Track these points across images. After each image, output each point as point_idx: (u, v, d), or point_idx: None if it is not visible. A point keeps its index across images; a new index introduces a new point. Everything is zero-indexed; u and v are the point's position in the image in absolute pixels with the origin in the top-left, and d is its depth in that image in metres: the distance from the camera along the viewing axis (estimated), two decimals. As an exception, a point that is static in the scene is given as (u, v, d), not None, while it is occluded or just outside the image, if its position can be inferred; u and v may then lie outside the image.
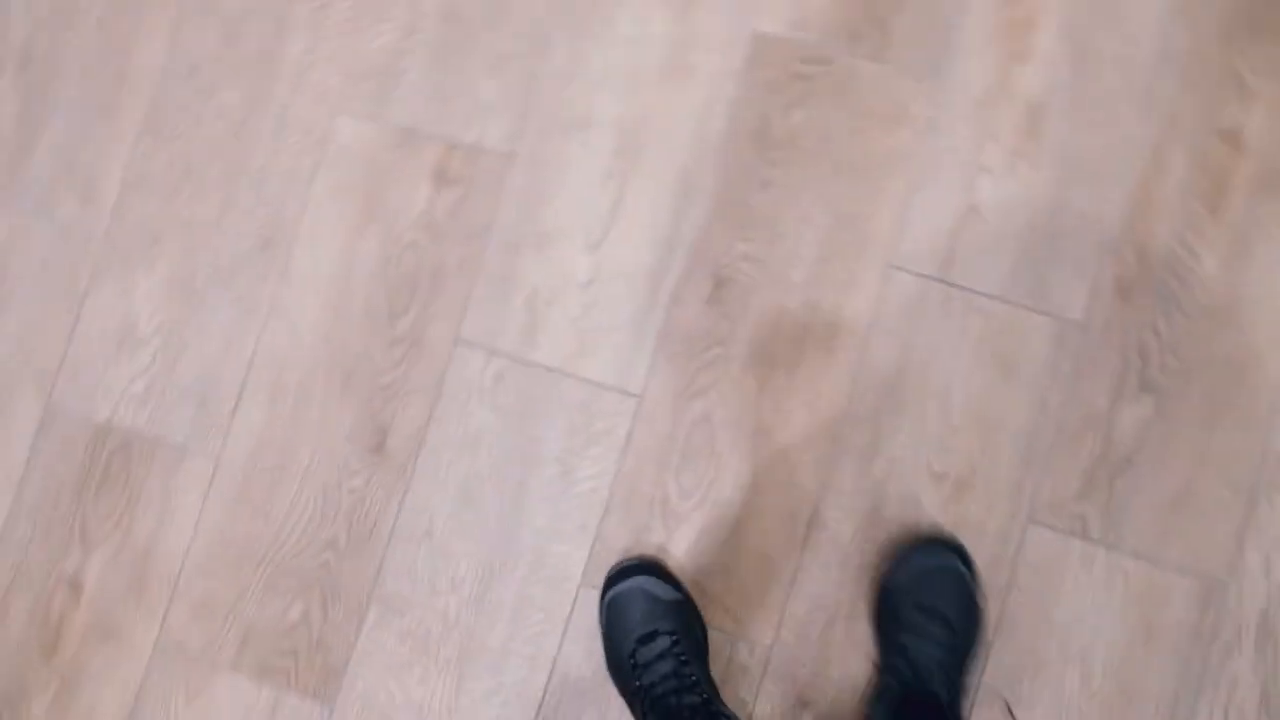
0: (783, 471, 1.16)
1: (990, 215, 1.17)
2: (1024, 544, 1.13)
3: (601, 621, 1.16)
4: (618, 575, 1.15)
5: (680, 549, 1.18)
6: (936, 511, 1.14)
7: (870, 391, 1.16)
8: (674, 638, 1.10)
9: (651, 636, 1.10)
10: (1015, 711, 1.12)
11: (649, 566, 1.16)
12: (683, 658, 1.09)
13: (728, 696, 1.14)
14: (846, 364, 1.17)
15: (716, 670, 1.15)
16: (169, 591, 1.24)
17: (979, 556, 1.14)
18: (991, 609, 1.13)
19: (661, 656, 1.09)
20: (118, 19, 1.30)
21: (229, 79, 1.29)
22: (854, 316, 1.17)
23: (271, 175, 1.28)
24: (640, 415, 1.19)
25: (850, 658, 1.14)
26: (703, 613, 1.16)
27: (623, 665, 1.12)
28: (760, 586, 1.16)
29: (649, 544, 1.17)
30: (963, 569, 1.11)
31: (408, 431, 1.22)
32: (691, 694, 1.06)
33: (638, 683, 1.10)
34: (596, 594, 1.18)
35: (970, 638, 1.10)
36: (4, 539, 1.27)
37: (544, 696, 1.16)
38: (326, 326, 1.25)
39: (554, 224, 1.22)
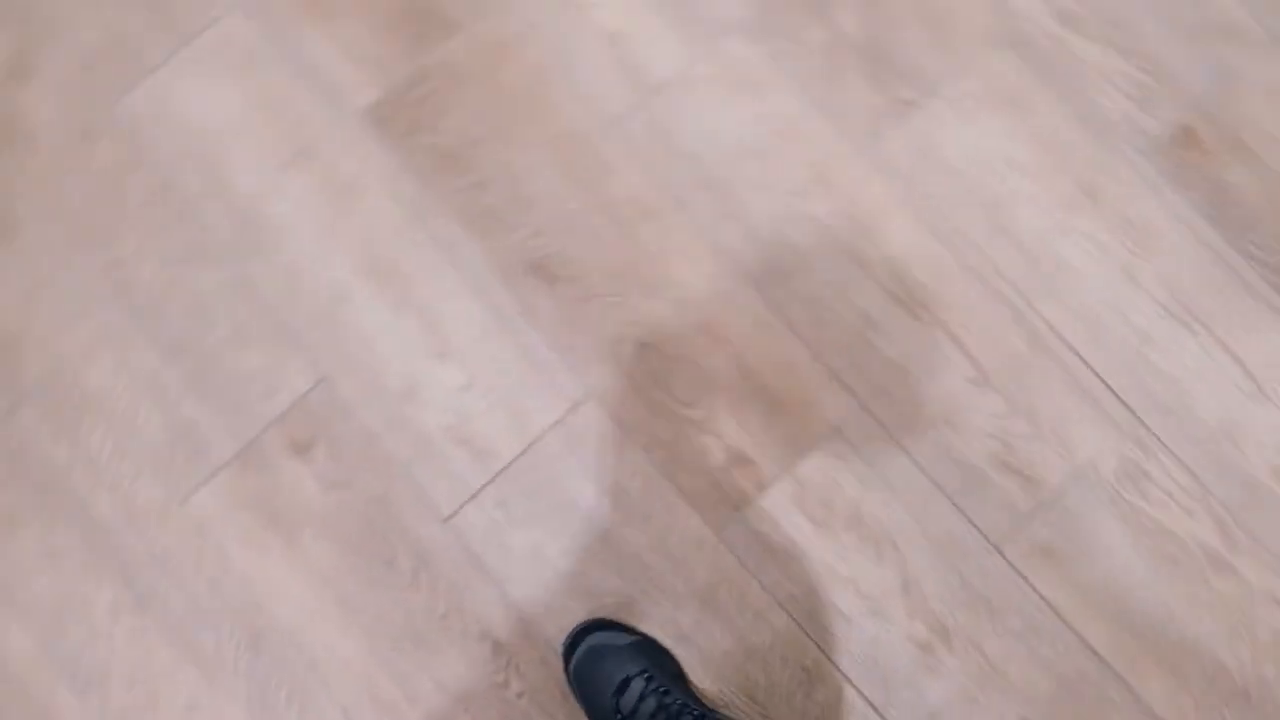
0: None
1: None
2: None
3: (576, 697, 1.14)
4: (569, 648, 1.15)
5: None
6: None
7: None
8: (646, 675, 1.10)
9: (625, 684, 1.09)
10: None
11: (593, 625, 1.15)
12: (662, 689, 1.08)
13: None
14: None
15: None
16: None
17: None
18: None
19: (642, 698, 1.08)
20: None
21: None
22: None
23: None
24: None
25: None
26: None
27: None
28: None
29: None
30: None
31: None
32: (684, 716, 1.06)
33: None
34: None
35: None
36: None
37: None
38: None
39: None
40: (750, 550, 1.20)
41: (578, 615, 1.19)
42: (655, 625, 1.18)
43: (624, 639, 1.14)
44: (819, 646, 1.18)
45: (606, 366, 1.22)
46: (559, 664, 1.17)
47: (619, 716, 1.10)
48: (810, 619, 1.19)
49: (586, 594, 1.19)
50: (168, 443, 1.20)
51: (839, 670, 1.18)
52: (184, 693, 1.15)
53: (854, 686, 1.18)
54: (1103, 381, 1.21)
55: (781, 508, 1.20)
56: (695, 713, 1.07)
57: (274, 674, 1.16)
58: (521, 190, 1.24)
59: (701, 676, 1.18)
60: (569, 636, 1.16)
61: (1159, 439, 1.21)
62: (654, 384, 1.22)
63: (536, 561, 1.19)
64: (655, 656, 1.14)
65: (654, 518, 1.20)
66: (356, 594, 1.18)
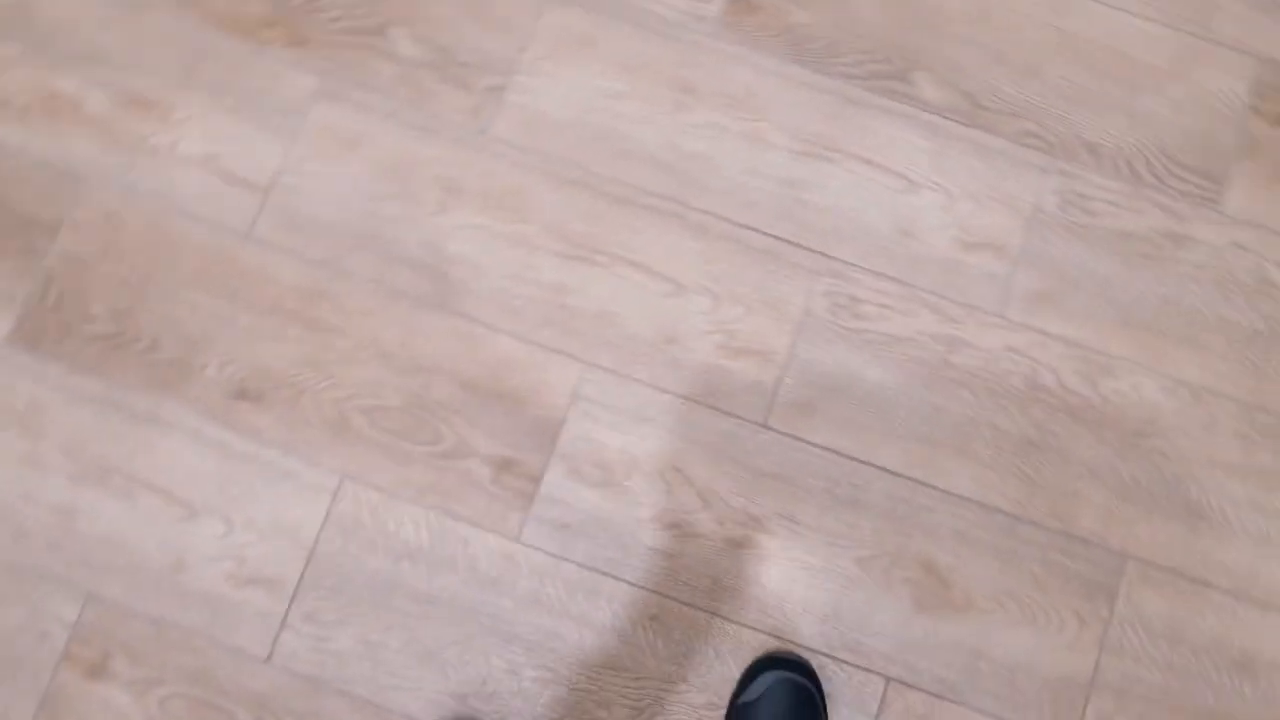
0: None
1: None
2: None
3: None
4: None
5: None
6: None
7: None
8: None
9: None
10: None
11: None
12: None
13: None
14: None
15: None
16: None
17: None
18: None
19: None
20: None
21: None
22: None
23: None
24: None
25: None
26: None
27: None
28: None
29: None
30: (814, 691, 1.16)
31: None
32: None
33: None
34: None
35: None
36: None
37: None
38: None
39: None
40: (554, 539, 1.22)
41: (429, 683, 1.18)
42: (496, 653, 1.19)
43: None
44: (657, 592, 1.21)
45: (345, 445, 1.23)
46: (429, 734, 1.17)
47: None
48: (637, 572, 1.21)
49: (428, 657, 1.19)
50: (-38, 733, 1.16)
51: (683, 604, 1.21)
52: None
53: (704, 610, 1.21)
54: (779, 239, 1.28)
55: (562, 487, 1.23)
56: None
57: None
58: (192, 332, 1.25)
59: (571, 677, 1.19)
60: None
61: (850, 264, 1.28)
62: (394, 438, 1.23)
63: (369, 652, 1.19)
64: None
65: (455, 557, 1.21)
66: (211, 773, 1.15)
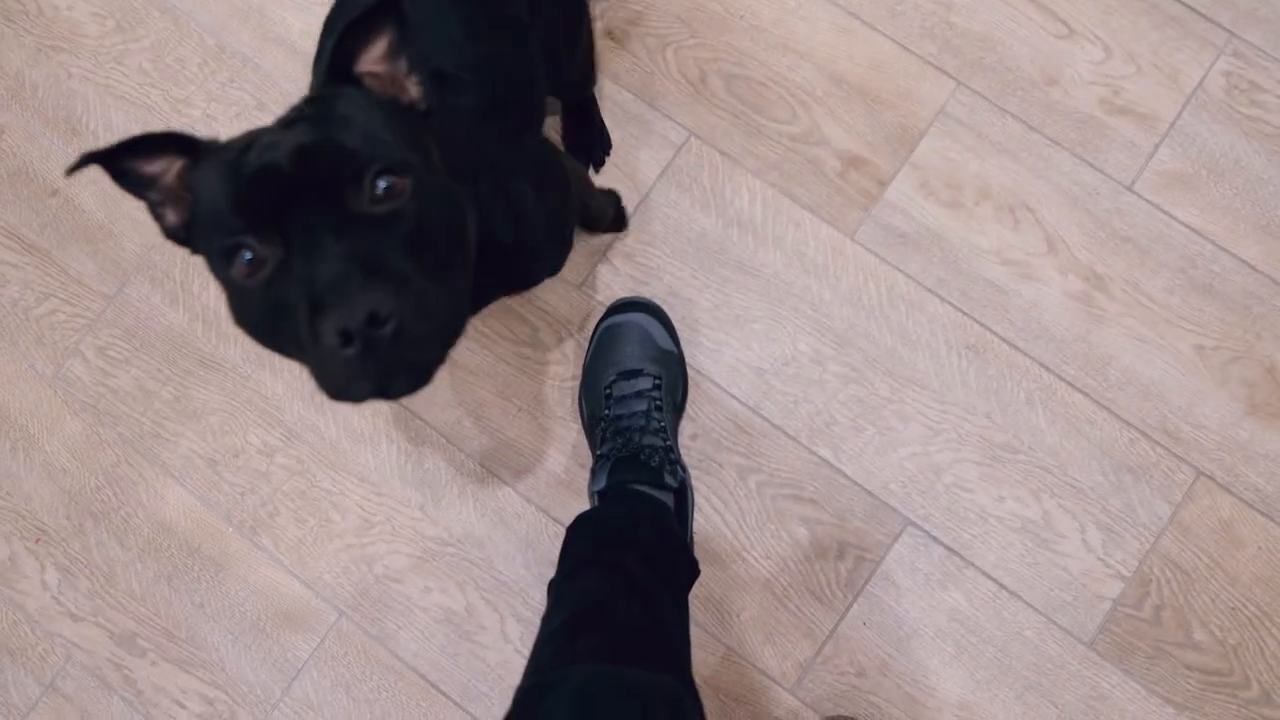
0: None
1: None
2: None
3: (590, 344, 1.11)
4: (621, 307, 1.11)
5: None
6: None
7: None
8: (657, 381, 1.06)
9: (635, 374, 1.06)
10: None
11: (655, 309, 1.12)
12: (658, 403, 1.05)
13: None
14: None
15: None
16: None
17: None
18: None
19: (639, 395, 1.05)
20: None
21: None
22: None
23: None
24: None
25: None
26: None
27: (596, 393, 1.07)
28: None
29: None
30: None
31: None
32: (655, 436, 1.03)
33: (607, 411, 1.05)
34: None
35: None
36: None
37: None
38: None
39: None
40: (888, 246, 1.18)
41: (730, 349, 1.17)
42: (804, 339, 1.16)
43: (669, 344, 1.11)
44: (979, 323, 1.16)
45: (699, 105, 1.21)
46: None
47: (607, 393, 1.07)
48: (964, 298, 1.17)
49: (735, 323, 1.17)
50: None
51: (1005, 341, 1.16)
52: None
53: (1023, 353, 1.16)
54: (1189, 6, 1.20)
55: (908, 197, 1.19)
56: (666, 441, 1.04)
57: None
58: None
59: (874, 380, 1.15)
60: (625, 300, 1.13)
61: (1260, 49, 1.20)
62: (750, 110, 1.21)
63: (677, 305, 1.17)
64: (675, 376, 1.11)
65: (784, 236, 1.19)
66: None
